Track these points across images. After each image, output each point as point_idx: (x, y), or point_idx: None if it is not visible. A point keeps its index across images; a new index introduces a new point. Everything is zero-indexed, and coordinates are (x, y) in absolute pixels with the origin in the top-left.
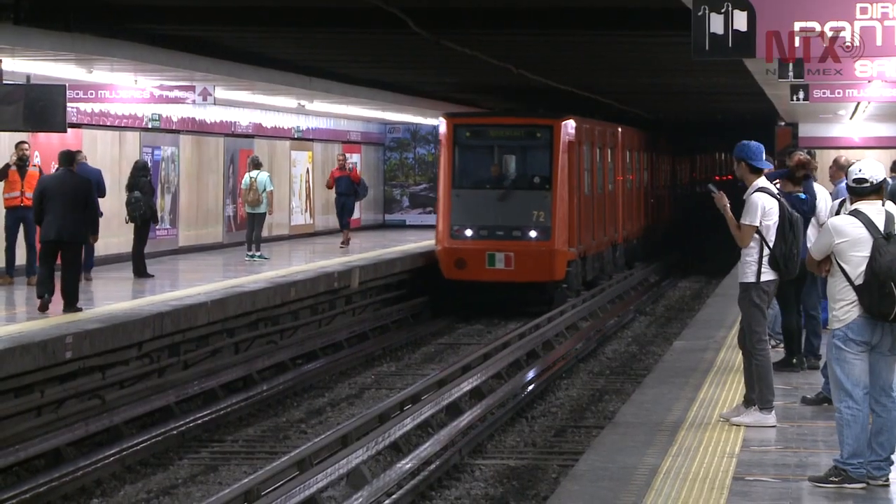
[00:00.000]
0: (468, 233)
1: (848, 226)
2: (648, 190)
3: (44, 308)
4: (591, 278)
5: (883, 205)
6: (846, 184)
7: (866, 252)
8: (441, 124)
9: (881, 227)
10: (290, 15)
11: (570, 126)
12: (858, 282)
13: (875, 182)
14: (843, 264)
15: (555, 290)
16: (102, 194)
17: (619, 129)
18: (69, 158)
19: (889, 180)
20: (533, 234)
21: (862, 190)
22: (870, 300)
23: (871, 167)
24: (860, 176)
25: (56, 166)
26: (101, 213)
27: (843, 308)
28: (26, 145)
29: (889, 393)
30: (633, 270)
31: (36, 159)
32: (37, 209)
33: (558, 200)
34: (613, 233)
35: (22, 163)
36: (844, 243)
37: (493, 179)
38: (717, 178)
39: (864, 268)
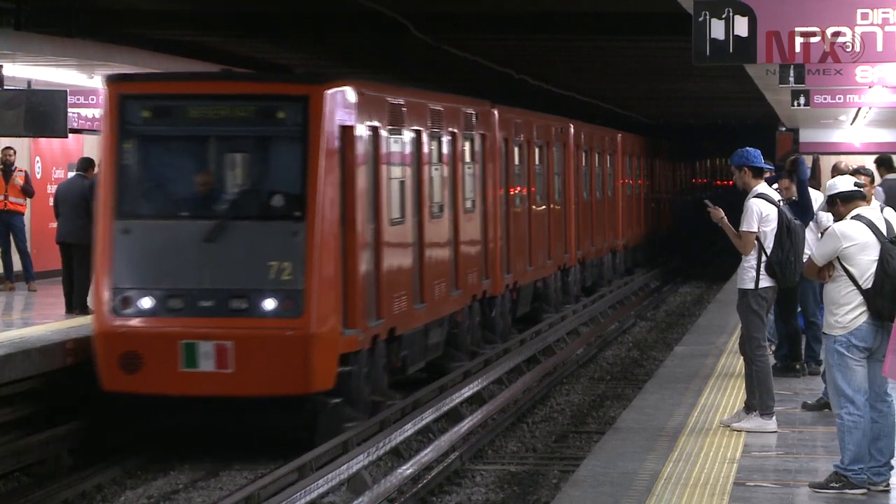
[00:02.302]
0: (144, 303)
1: (855, 230)
2: (633, 199)
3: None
4: (521, 314)
5: (882, 210)
6: (837, 192)
7: (874, 255)
8: (102, 95)
9: (884, 231)
10: (291, 20)
11: (343, 98)
12: (867, 285)
13: (860, 188)
14: (849, 268)
15: (320, 408)
16: None
17: (572, 127)
18: (85, 165)
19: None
20: (269, 304)
21: (860, 193)
22: (882, 303)
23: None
24: (859, 181)
25: (69, 172)
26: None
27: (848, 313)
28: (12, 151)
29: (885, 398)
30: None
31: (37, 164)
32: (55, 213)
33: (321, 238)
34: (563, 255)
35: (6, 168)
36: (853, 247)
37: (196, 202)
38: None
39: (872, 271)
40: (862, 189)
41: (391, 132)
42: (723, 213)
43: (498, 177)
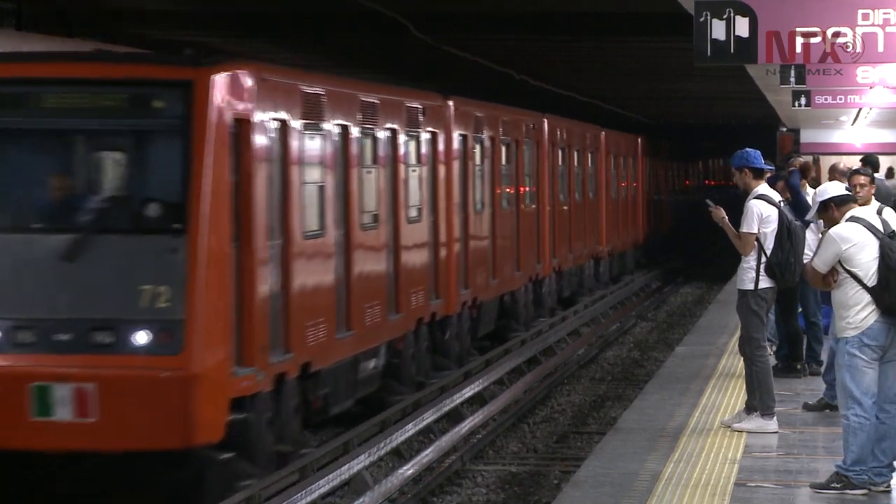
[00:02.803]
0: None
1: (852, 231)
2: (620, 202)
3: None
4: (482, 335)
5: (881, 212)
6: (831, 197)
7: (875, 254)
8: None
9: (880, 228)
10: (291, 20)
11: (238, 84)
12: (872, 282)
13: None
14: (853, 269)
15: (206, 465)
16: None
17: (546, 122)
18: None
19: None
20: (141, 338)
21: (853, 197)
22: (890, 298)
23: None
24: (849, 186)
25: None
26: None
27: (858, 313)
28: None
29: (894, 400)
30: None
31: None
32: None
33: (206, 256)
34: (536, 265)
35: None
36: (853, 248)
37: (51, 212)
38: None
39: (875, 268)
40: (852, 192)
41: (307, 127)
42: (724, 213)
43: (453, 180)
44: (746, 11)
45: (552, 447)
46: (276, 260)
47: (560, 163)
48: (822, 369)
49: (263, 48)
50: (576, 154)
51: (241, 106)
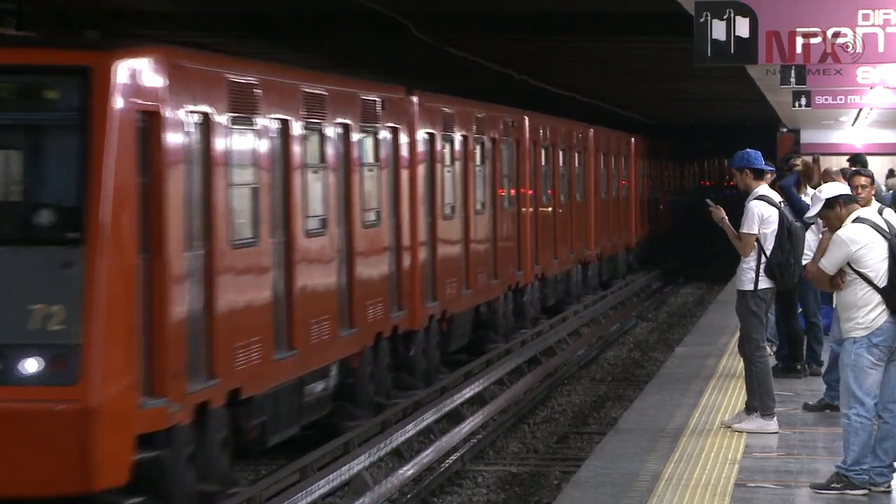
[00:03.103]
0: None
1: (860, 233)
2: (610, 203)
3: None
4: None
5: (881, 212)
6: (838, 195)
7: (884, 254)
8: None
9: (886, 228)
10: (291, 21)
11: (146, 72)
12: (882, 283)
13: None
14: (863, 270)
15: None
16: None
17: (527, 120)
18: None
19: (883, 187)
20: (30, 366)
21: (856, 197)
22: None
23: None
24: (851, 187)
25: None
26: None
27: (869, 313)
28: None
29: None
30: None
31: None
32: None
33: (107, 270)
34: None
35: None
36: (862, 249)
37: None
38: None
39: (885, 268)
40: (861, 190)
41: (236, 122)
42: (724, 213)
43: (419, 182)
44: (747, 12)
45: (552, 447)
46: (197, 273)
47: (543, 163)
48: (823, 370)
49: (263, 49)
50: (561, 153)
51: (150, 97)
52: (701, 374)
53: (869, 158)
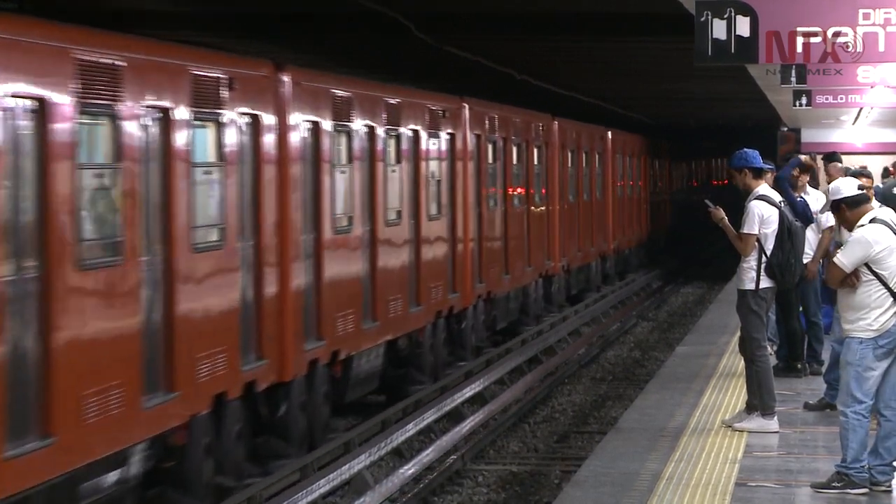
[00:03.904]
0: None
1: (881, 234)
2: (580, 207)
3: None
4: None
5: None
6: (843, 197)
7: None
8: None
9: None
10: (291, 21)
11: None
12: None
13: (864, 191)
14: (880, 272)
15: None
16: None
17: (467, 109)
18: None
19: (880, 185)
20: None
21: (867, 197)
22: None
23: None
24: (858, 184)
25: None
26: None
27: (880, 316)
28: None
29: None
30: None
31: None
32: None
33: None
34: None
35: None
36: (884, 251)
37: None
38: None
39: None
40: (866, 192)
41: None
42: (723, 214)
43: (288, 188)
44: (747, 11)
45: (553, 447)
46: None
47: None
48: (823, 369)
49: (264, 49)
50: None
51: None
52: (701, 373)
53: (869, 158)
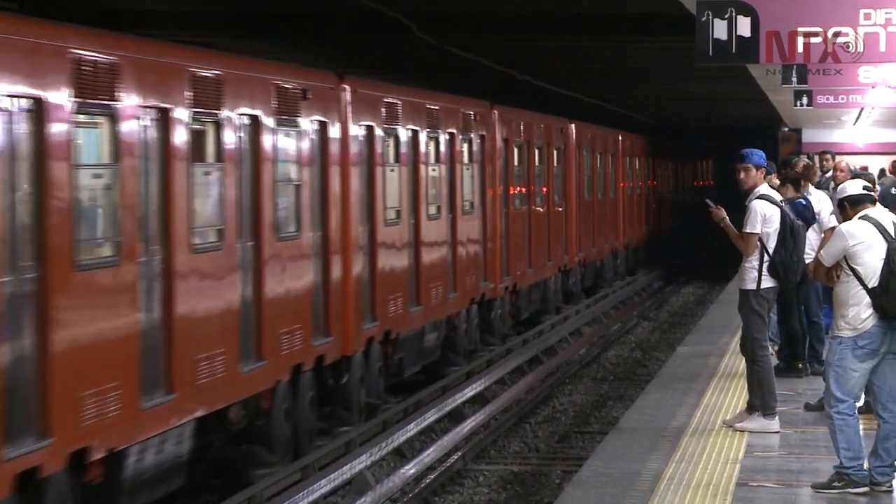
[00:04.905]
0: None
1: (861, 229)
2: (519, 217)
3: None
4: None
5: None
6: (846, 196)
7: (881, 255)
8: None
9: (892, 232)
10: (291, 21)
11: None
12: (873, 283)
13: (870, 191)
14: (856, 267)
15: None
16: None
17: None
18: None
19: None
20: None
21: (869, 197)
22: (888, 301)
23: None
24: (864, 184)
25: None
26: None
27: (857, 314)
28: None
29: None
30: None
31: None
32: None
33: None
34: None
35: None
36: (860, 245)
37: None
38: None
39: (879, 270)
40: (871, 192)
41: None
42: (724, 214)
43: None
44: (748, 11)
45: (554, 447)
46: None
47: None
48: (823, 369)
49: (264, 49)
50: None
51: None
52: (702, 373)
53: (870, 158)
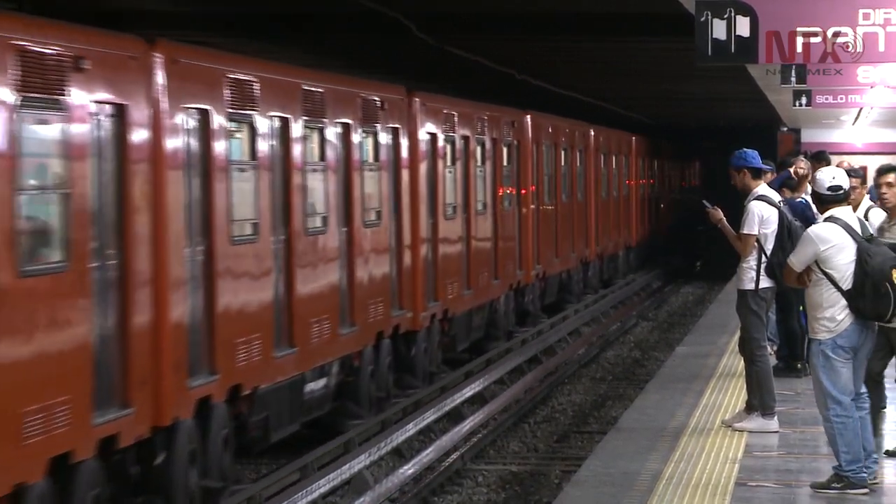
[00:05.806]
0: None
1: (830, 232)
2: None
3: None
4: None
5: (868, 212)
6: (815, 192)
7: (851, 256)
8: None
9: (859, 230)
10: (291, 21)
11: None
12: (847, 286)
13: (846, 189)
14: (829, 270)
15: None
16: None
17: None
18: None
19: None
20: None
21: (836, 197)
22: (864, 303)
23: (842, 175)
24: (835, 183)
25: None
26: None
27: (835, 316)
28: None
29: (861, 396)
30: None
31: None
32: None
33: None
34: None
35: None
36: (831, 249)
37: None
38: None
39: (851, 271)
40: (840, 192)
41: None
42: (721, 215)
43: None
44: (747, 11)
45: (553, 447)
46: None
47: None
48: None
49: (264, 48)
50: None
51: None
52: (701, 373)
53: (870, 158)
